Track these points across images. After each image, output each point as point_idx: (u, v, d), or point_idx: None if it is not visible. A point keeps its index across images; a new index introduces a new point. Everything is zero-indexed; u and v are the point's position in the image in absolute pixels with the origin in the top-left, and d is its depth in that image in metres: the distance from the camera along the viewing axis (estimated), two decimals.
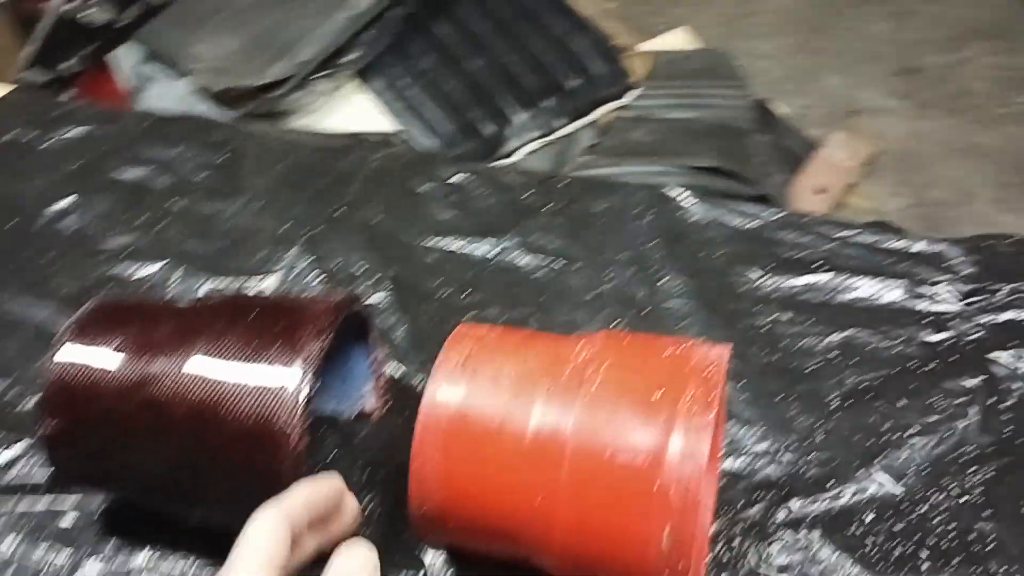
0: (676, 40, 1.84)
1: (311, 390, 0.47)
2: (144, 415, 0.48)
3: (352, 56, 1.46)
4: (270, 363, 0.48)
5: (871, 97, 1.89)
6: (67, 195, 0.72)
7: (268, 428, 0.47)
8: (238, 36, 1.42)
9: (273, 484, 0.43)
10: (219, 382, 0.48)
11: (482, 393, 0.46)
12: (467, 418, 0.46)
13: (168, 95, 1.36)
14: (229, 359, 0.48)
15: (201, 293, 0.64)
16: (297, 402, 0.47)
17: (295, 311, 0.51)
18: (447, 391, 0.46)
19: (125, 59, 1.32)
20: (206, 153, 0.75)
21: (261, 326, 0.50)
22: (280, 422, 0.47)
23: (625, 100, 1.58)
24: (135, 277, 0.66)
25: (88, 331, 0.51)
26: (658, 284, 0.64)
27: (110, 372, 0.49)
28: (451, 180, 0.73)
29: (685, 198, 0.69)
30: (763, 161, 1.53)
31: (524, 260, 0.66)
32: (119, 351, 0.50)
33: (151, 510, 0.50)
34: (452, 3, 1.55)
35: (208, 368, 0.48)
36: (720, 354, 0.46)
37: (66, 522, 0.52)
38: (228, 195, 0.72)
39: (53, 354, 0.49)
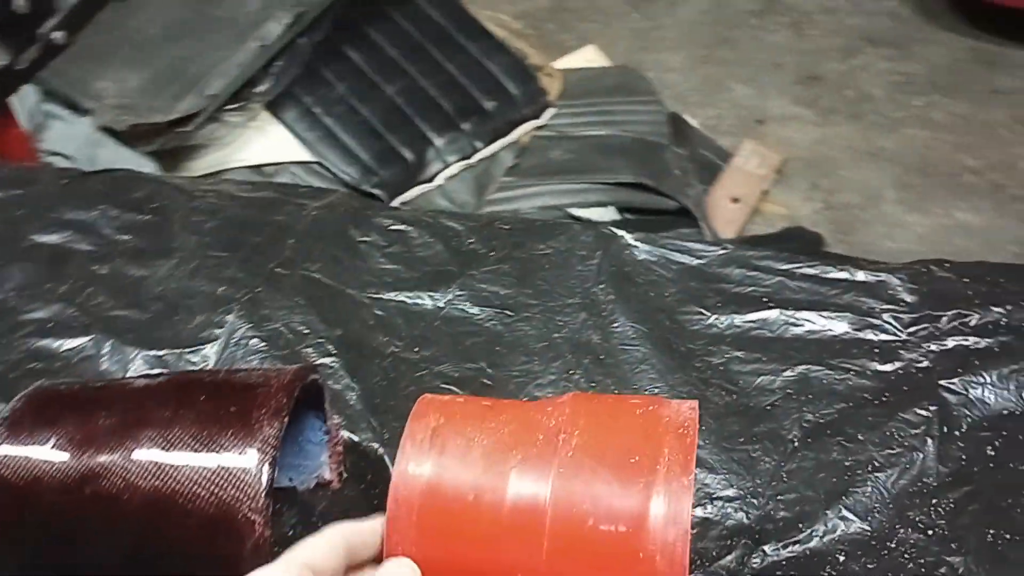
0: (586, 57, 1.85)
1: (272, 474, 0.45)
2: (93, 508, 0.46)
3: (264, 87, 1.42)
4: (227, 449, 0.46)
5: (777, 105, 1.94)
6: None
7: (230, 515, 0.45)
8: (143, 71, 1.37)
9: (235, 571, 0.42)
10: (175, 468, 0.46)
11: (454, 466, 0.45)
12: (440, 493, 0.44)
13: (71, 136, 1.30)
14: (182, 448, 0.46)
15: (136, 367, 0.61)
16: (260, 486, 0.45)
17: (248, 390, 0.49)
18: (417, 467, 0.45)
19: (22, 100, 1.25)
20: (129, 211, 0.71)
21: (213, 409, 0.48)
22: (243, 508, 0.45)
23: (543, 119, 1.58)
24: (63, 350, 0.62)
25: (22, 426, 0.48)
26: (611, 328, 0.63)
27: (53, 465, 0.46)
28: (392, 228, 0.71)
29: (630, 237, 0.69)
30: (680, 173, 1.56)
31: (473, 310, 0.65)
32: (59, 447, 0.47)
33: None
34: (365, 28, 1.52)
35: (162, 457, 0.46)
36: (691, 409, 0.45)
37: None
38: (157, 257, 0.68)
39: None
